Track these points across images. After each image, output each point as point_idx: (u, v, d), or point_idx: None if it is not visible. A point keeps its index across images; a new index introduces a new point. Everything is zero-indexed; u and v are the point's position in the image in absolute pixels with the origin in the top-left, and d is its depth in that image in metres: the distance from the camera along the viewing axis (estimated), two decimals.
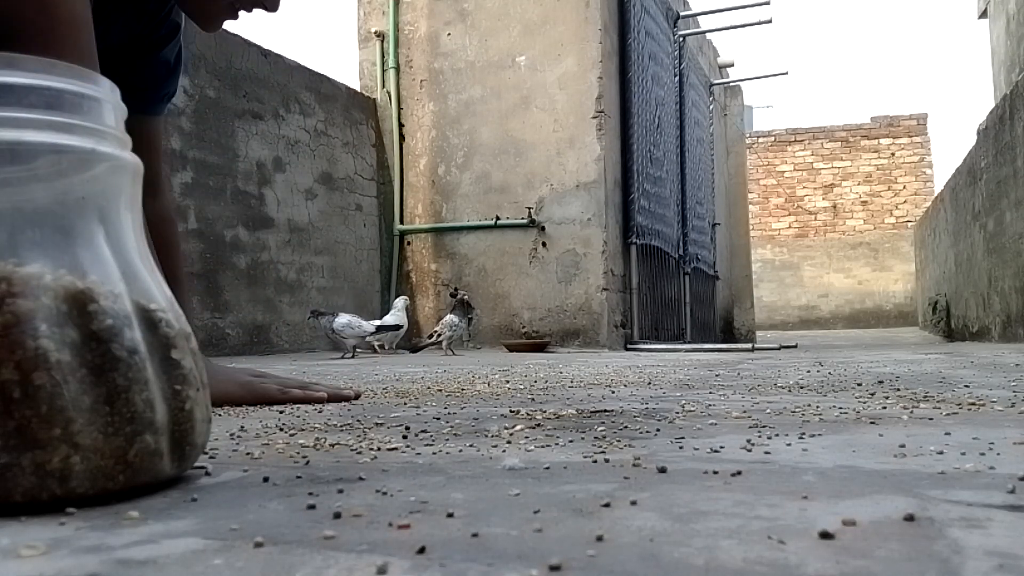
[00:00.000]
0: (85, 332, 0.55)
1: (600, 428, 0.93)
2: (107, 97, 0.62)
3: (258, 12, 1.23)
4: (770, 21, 6.32)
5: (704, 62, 7.51)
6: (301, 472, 0.67)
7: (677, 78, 6.21)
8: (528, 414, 1.09)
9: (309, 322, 4.01)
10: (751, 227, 10.33)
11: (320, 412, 1.18)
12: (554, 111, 4.79)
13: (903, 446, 0.76)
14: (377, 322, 4.09)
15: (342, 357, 3.68)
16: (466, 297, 4.16)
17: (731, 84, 8.46)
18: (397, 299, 4.39)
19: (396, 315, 4.22)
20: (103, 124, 0.61)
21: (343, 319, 3.74)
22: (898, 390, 1.39)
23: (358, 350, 3.87)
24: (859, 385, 1.51)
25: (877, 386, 1.48)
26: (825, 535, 0.44)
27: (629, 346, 4.75)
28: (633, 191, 4.96)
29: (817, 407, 1.12)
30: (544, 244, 4.77)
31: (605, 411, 1.12)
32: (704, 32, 7.04)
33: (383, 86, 5.22)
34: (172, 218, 1.45)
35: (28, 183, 0.57)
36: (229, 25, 1.29)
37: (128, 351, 0.56)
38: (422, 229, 5.10)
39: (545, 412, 1.11)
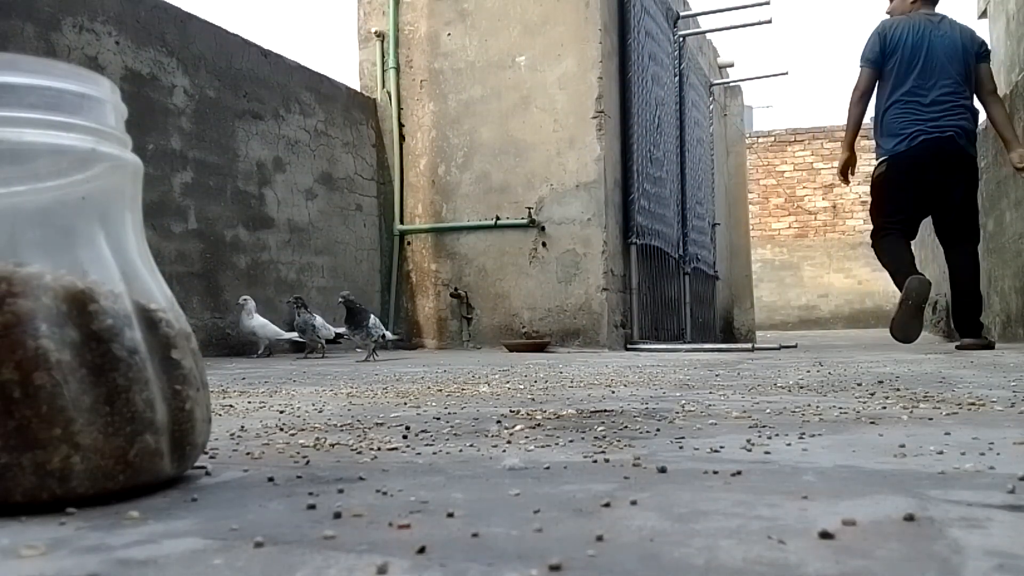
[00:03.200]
0: (85, 332, 0.54)
1: (600, 428, 0.93)
2: (107, 97, 0.62)
3: None
4: (770, 21, 6.31)
5: (704, 62, 7.50)
6: (301, 472, 0.67)
7: (677, 78, 6.21)
8: (528, 414, 1.09)
9: (287, 307, 4.07)
10: (751, 227, 10.33)
11: (320, 412, 1.18)
12: (554, 111, 4.78)
13: (903, 446, 0.76)
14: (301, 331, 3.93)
15: (256, 356, 3.85)
16: (351, 298, 3.63)
17: (731, 84, 8.46)
18: (249, 301, 3.82)
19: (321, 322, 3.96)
20: (103, 124, 0.61)
21: (258, 321, 3.82)
22: (898, 390, 1.39)
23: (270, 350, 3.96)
24: (859, 385, 1.51)
25: (877, 386, 1.48)
26: (825, 535, 0.44)
27: (629, 346, 4.75)
28: (633, 191, 4.96)
29: (817, 407, 1.12)
30: (544, 244, 4.77)
31: (605, 411, 1.12)
32: (704, 32, 7.04)
33: (383, 86, 5.22)
34: None
35: (28, 183, 0.57)
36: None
37: (128, 351, 0.56)
38: (422, 229, 5.10)
39: (545, 412, 1.11)
